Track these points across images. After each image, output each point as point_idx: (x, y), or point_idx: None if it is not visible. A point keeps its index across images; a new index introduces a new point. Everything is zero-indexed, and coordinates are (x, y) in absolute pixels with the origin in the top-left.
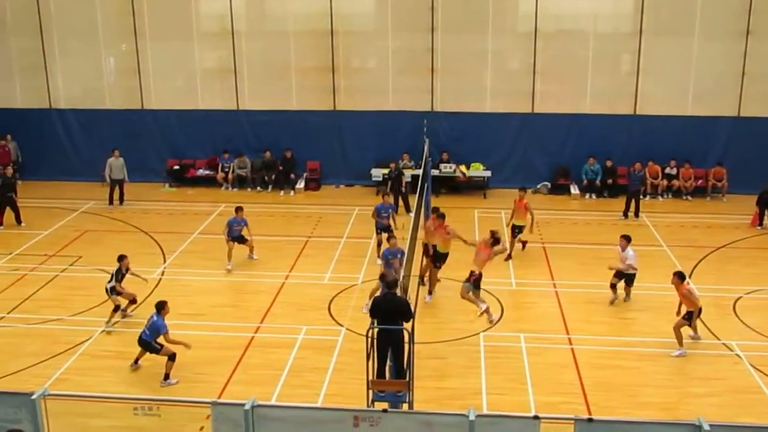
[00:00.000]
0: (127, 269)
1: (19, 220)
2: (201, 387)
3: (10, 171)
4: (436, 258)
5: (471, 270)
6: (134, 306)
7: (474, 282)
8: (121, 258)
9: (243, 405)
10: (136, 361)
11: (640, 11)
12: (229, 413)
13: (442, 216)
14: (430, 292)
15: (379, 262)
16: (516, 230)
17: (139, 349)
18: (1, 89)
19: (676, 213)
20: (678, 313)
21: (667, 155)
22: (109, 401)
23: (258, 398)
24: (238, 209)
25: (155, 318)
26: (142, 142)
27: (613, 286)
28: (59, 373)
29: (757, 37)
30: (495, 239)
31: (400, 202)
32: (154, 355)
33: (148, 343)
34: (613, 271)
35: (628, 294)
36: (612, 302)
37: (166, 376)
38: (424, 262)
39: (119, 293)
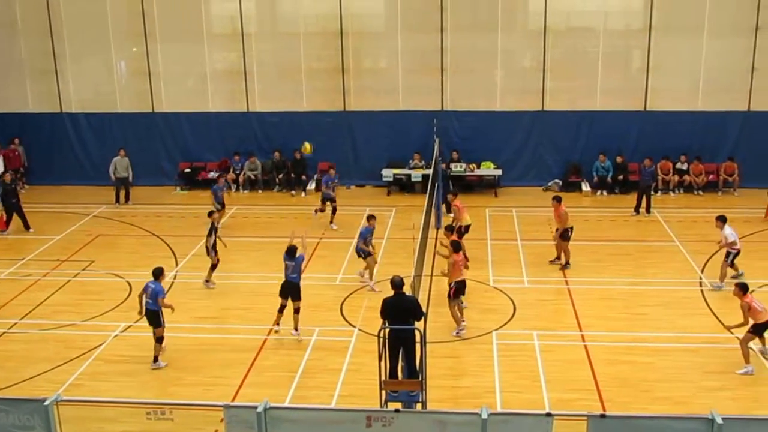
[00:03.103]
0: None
1: (27, 227)
2: (216, 390)
3: (8, 177)
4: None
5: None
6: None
7: (454, 294)
8: (211, 213)
9: (256, 407)
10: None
11: (650, 8)
12: (242, 416)
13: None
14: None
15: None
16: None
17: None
18: (12, 93)
19: (688, 208)
20: (739, 325)
21: (678, 151)
22: (122, 406)
23: (272, 400)
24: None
25: (153, 285)
26: (153, 145)
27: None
28: (73, 379)
29: (766, 32)
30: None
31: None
32: (167, 358)
33: (156, 312)
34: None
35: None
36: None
37: (155, 359)
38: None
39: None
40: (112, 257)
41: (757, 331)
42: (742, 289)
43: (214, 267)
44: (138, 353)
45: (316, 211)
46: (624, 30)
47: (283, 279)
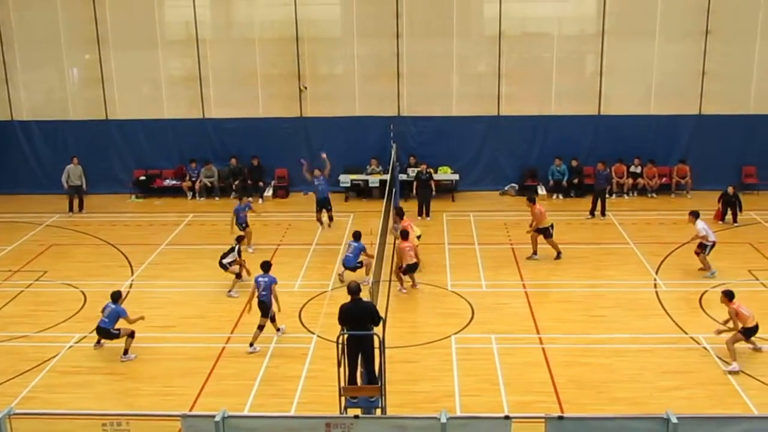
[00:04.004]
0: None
1: None
2: (173, 400)
3: None
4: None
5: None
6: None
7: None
8: (240, 239)
9: (214, 416)
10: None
11: (602, 13)
12: (200, 425)
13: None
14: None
15: None
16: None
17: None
18: None
19: (641, 211)
20: (727, 328)
21: (631, 154)
22: (78, 418)
23: (230, 409)
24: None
25: (113, 305)
26: (108, 153)
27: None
28: (26, 392)
29: (715, 37)
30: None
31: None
32: (124, 368)
33: (107, 330)
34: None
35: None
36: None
37: (125, 351)
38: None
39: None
40: (66, 267)
41: (745, 334)
42: (728, 296)
43: (238, 276)
44: (93, 364)
45: (319, 220)
46: (578, 35)
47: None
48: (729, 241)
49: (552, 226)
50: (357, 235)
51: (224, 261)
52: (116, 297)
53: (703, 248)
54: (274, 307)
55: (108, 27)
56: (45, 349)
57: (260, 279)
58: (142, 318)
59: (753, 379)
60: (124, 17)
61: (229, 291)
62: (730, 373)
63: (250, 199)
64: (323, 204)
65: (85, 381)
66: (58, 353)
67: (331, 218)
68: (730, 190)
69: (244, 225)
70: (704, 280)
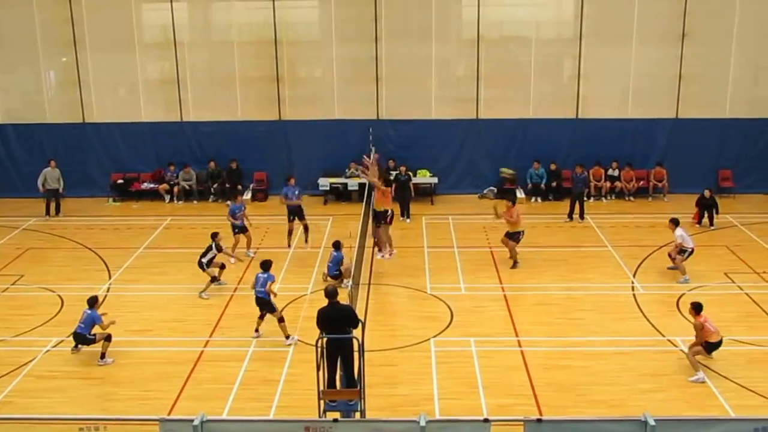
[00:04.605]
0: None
1: None
2: (150, 404)
3: None
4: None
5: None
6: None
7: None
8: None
9: (192, 420)
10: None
11: (580, 17)
12: (178, 429)
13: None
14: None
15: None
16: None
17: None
18: None
19: (619, 214)
20: (696, 342)
21: (609, 157)
22: (54, 423)
23: (209, 413)
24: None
25: (89, 311)
26: (85, 156)
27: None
28: (2, 396)
29: (692, 41)
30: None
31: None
32: (101, 372)
33: (83, 336)
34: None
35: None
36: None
37: (102, 355)
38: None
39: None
40: (43, 271)
41: (707, 349)
42: (696, 309)
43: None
44: (70, 368)
45: (290, 231)
46: (555, 39)
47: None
48: (706, 244)
49: (522, 232)
50: (336, 245)
51: (203, 260)
52: (92, 302)
53: (681, 252)
54: (273, 301)
55: (85, 29)
56: (21, 354)
57: (260, 276)
58: (113, 323)
59: (730, 381)
60: (101, 20)
61: (201, 292)
62: (696, 382)
63: (242, 198)
64: (296, 213)
65: (62, 385)
66: (34, 358)
67: (306, 228)
68: (707, 193)
69: (237, 230)
70: (683, 283)
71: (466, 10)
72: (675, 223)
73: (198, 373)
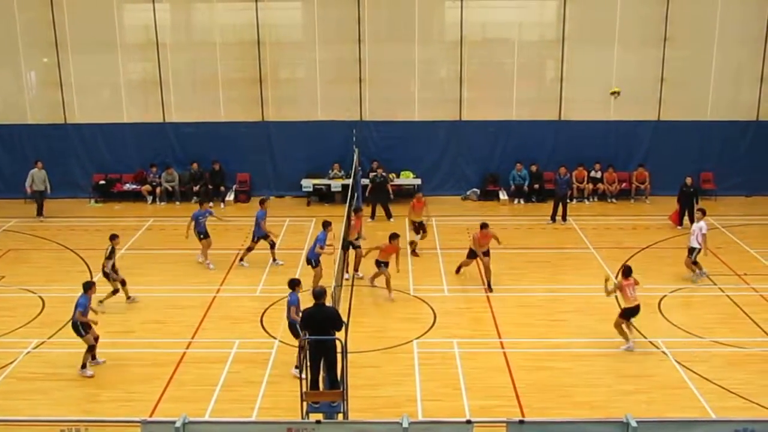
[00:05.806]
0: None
1: None
2: (132, 406)
3: None
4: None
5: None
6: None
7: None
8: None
9: (174, 422)
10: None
11: (563, 19)
12: (160, 431)
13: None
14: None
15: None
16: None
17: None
18: None
19: (602, 216)
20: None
21: (591, 159)
22: (36, 424)
23: (191, 415)
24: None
25: (80, 298)
26: (66, 157)
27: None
28: None
29: (673, 44)
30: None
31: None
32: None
33: (75, 323)
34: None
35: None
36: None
37: (84, 366)
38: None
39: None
40: (24, 272)
41: (624, 314)
42: (625, 272)
43: (123, 284)
44: (51, 370)
45: (241, 258)
46: (538, 41)
47: None
48: (687, 245)
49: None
50: (325, 224)
51: (106, 270)
52: (86, 287)
53: (690, 252)
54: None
55: (66, 30)
56: (2, 355)
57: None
58: (95, 322)
59: (710, 383)
60: (83, 20)
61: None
62: (627, 350)
63: (212, 204)
64: (261, 236)
65: (43, 387)
66: (15, 359)
67: (273, 244)
68: (688, 180)
69: (202, 235)
70: (663, 284)
71: (449, 12)
72: (702, 212)
73: (180, 374)
